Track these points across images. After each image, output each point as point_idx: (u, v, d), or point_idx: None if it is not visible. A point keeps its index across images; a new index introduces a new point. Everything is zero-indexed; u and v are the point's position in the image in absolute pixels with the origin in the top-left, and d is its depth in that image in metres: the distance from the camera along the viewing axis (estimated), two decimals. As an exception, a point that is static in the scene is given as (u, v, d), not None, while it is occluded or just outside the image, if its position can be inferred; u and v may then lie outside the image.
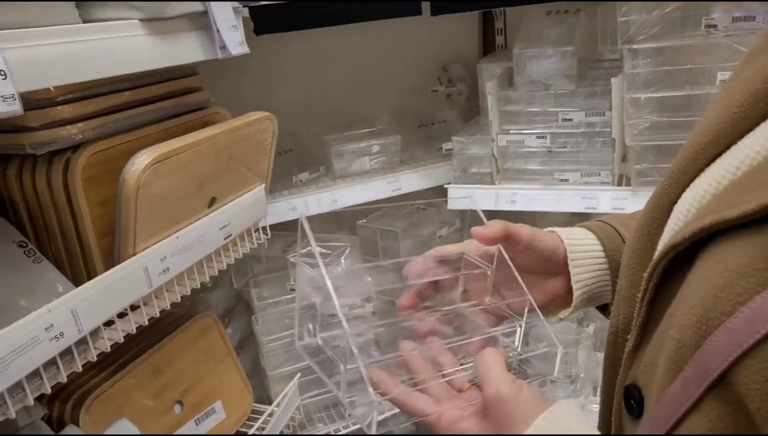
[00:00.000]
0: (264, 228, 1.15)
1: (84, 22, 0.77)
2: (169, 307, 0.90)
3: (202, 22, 0.88)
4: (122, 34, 0.75)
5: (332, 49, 1.54)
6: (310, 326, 0.68)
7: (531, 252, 0.67)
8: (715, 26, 0.92)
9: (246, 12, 1.01)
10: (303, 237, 0.67)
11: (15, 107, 0.59)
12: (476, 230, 0.66)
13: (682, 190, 0.49)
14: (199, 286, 0.97)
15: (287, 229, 1.40)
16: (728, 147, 0.47)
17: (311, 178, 1.44)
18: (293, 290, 1.30)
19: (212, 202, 0.97)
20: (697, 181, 0.48)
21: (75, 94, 0.81)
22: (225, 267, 1.04)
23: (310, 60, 1.54)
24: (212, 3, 0.86)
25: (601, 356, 0.63)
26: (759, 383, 0.37)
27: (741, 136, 0.46)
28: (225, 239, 1.00)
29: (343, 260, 1.30)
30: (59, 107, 0.79)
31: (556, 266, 0.68)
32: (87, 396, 0.94)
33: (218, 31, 0.87)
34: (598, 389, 0.57)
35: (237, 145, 0.97)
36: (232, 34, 0.90)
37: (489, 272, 0.69)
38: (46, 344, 0.67)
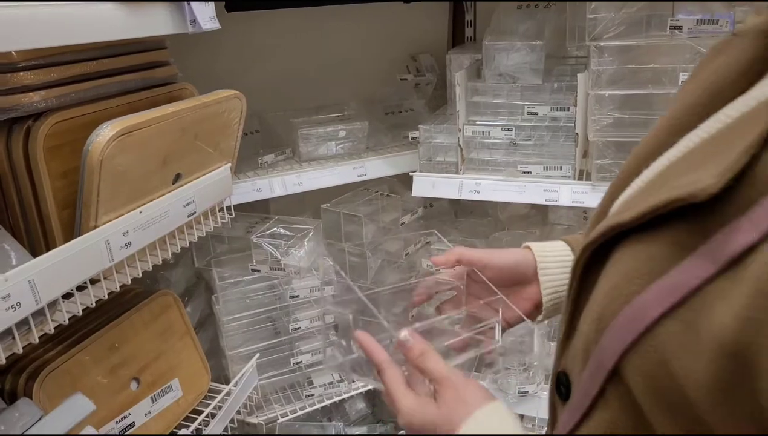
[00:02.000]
0: (228, 208, 1.15)
1: (51, -13, 0.75)
2: (129, 282, 0.89)
3: (173, -5, 0.86)
4: (90, 1, 0.74)
5: (303, 32, 1.53)
6: (344, 342, 0.71)
7: (492, 269, 0.76)
8: (679, 27, 0.96)
9: (218, -13, 1.00)
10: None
11: (-23, 70, 0.58)
12: (434, 258, 0.76)
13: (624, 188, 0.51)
14: (161, 262, 0.96)
15: (251, 209, 1.39)
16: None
17: (277, 160, 1.44)
18: (255, 270, 1.30)
19: (177, 178, 0.97)
20: (635, 180, 0.50)
21: (38, 60, 0.79)
22: (187, 245, 1.03)
23: (281, 41, 1.53)
24: (184, -24, 0.85)
25: (553, 345, 0.67)
26: (640, 378, 0.41)
27: (673, 143, 0.48)
28: (189, 217, 0.99)
29: (306, 242, 1.31)
30: (21, 73, 0.77)
31: (523, 276, 0.76)
32: (41, 369, 0.92)
33: (189, 4, 0.86)
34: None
35: (204, 123, 0.97)
36: (203, 8, 0.89)
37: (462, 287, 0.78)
38: (2, 314, 0.66)
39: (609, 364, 0.43)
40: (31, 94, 0.77)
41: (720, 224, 0.38)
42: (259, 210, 1.46)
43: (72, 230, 0.84)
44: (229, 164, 1.10)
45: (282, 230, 1.31)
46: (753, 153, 0.37)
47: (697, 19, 0.96)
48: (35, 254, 0.81)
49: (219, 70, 1.42)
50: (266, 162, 1.41)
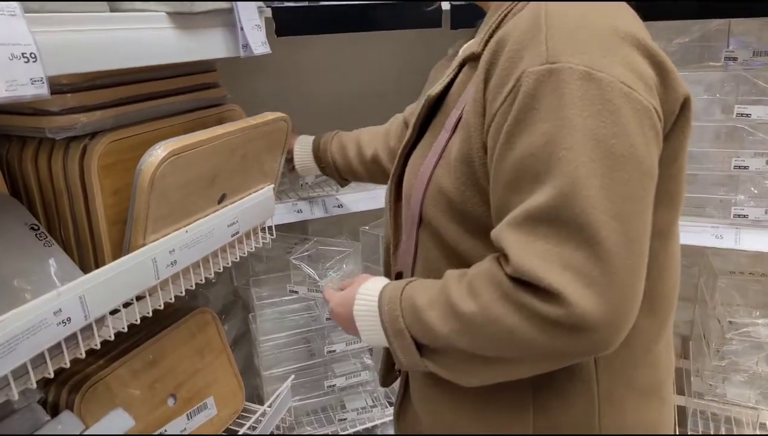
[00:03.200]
0: (270, 228, 1.16)
1: (112, 11, 0.78)
2: (173, 299, 0.90)
3: (226, 20, 0.89)
4: (149, 25, 0.76)
5: (348, 54, 1.55)
6: None
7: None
8: (735, 58, 0.94)
9: (269, 12, 1.02)
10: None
11: (43, 90, 0.60)
12: None
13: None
14: (203, 281, 0.97)
15: (290, 230, 1.40)
16: None
17: (317, 181, 1.45)
18: (293, 291, 1.30)
19: (222, 198, 0.98)
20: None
21: (96, 81, 0.81)
22: (229, 264, 1.04)
23: (325, 63, 1.55)
24: (238, 2, 0.87)
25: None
26: (432, 208, 0.74)
27: None
28: (232, 236, 1.00)
29: (344, 265, 1.31)
30: (80, 93, 0.79)
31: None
32: (83, 383, 0.94)
33: (242, 29, 0.88)
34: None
35: (251, 144, 0.98)
36: (256, 33, 0.90)
37: None
38: (53, 328, 0.67)
39: (417, 213, 0.76)
40: (88, 114, 0.79)
41: (445, 116, 0.75)
42: (297, 230, 1.47)
43: (120, 247, 0.85)
44: (272, 185, 1.11)
45: (321, 252, 1.31)
46: (450, 78, 0.77)
47: (753, 51, 0.94)
48: (84, 268, 0.83)
49: (263, 92, 1.45)
50: (306, 183, 1.42)
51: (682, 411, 1.36)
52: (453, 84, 0.76)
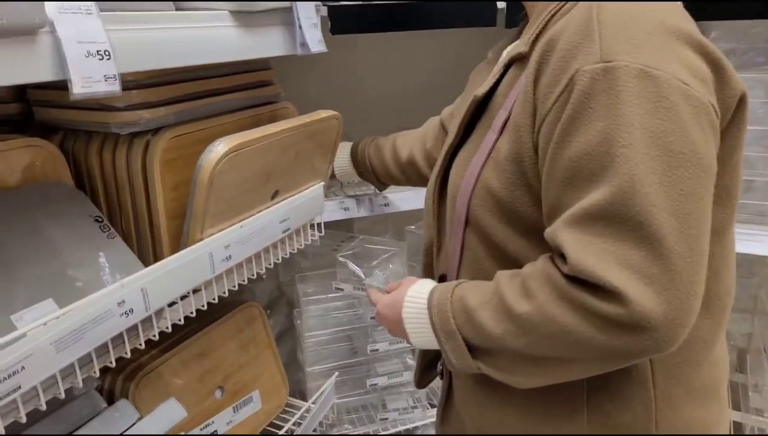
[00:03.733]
0: (319, 225, 1.16)
1: (177, 9, 0.79)
2: (226, 294, 0.92)
3: (285, 18, 0.89)
4: (213, 24, 0.77)
5: (402, 52, 1.55)
6: None
7: None
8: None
9: (324, 11, 1.03)
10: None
11: (115, 87, 0.61)
12: None
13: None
14: (255, 276, 0.98)
15: (335, 227, 1.41)
16: None
17: (359, 182, 1.45)
18: (339, 289, 1.31)
19: (275, 195, 0.99)
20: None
21: (159, 78, 0.83)
22: (279, 260, 1.05)
23: (378, 61, 1.55)
24: (297, 0, 0.88)
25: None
26: (479, 208, 0.73)
27: None
28: (283, 233, 1.01)
29: (390, 264, 1.31)
30: (144, 90, 0.81)
31: None
32: (137, 371, 0.96)
33: (300, 27, 0.89)
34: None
35: (305, 142, 0.99)
36: (313, 31, 0.91)
37: None
38: (116, 319, 0.69)
39: (463, 214, 0.75)
40: (152, 110, 0.81)
41: (492, 117, 0.74)
42: (343, 228, 1.47)
43: (178, 240, 0.87)
44: (323, 183, 1.12)
45: (367, 250, 1.31)
46: (497, 78, 0.76)
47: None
48: (143, 259, 0.85)
49: (315, 89, 1.45)
50: (353, 181, 1.43)
51: (738, 427, 1.31)
52: (499, 84, 0.75)
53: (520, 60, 0.72)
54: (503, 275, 0.69)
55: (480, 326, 0.68)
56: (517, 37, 0.86)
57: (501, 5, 1.12)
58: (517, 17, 1.13)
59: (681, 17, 0.66)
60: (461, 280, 0.77)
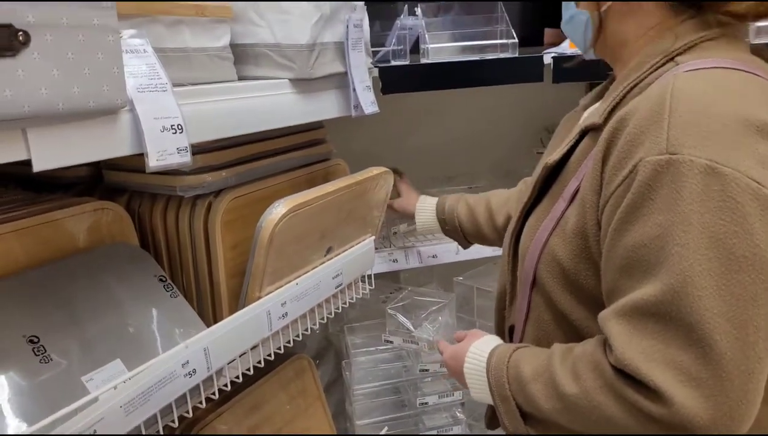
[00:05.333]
0: (369, 277, 1.17)
1: (240, 79, 0.83)
2: (282, 350, 0.92)
3: (340, 81, 0.93)
4: (274, 92, 0.81)
5: (440, 105, 1.58)
6: None
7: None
8: None
9: (376, 72, 1.06)
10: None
11: (186, 158, 0.65)
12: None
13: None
14: (309, 331, 0.99)
15: (382, 276, 1.41)
16: None
17: (409, 229, 1.45)
18: (388, 341, 1.30)
19: (328, 250, 1.00)
20: None
21: (221, 142, 0.87)
22: (332, 314, 1.06)
23: (425, 115, 1.58)
24: (352, 64, 0.91)
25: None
26: (546, 273, 0.74)
27: None
28: (336, 288, 1.02)
29: (439, 317, 1.30)
30: (207, 154, 0.85)
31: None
32: (193, 426, 0.97)
33: (354, 90, 0.92)
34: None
35: (357, 199, 1.01)
36: (366, 93, 0.94)
37: None
38: (180, 380, 0.70)
39: (530, 276, 0.77)
40: (215, 173, 0.85)
41: (564, 185, 0.74)
42: (389, 277, 1.48)
43: (236, 298, 0.89)
44: (373, 237, 1.13)
45: (415, 302, 1.31)
46: (571, 145, 0.75)
47: None
48: (202, 316, 0.87)
49: (366, 143, 1.48)
50: (399, 230, 1.43)
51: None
52: (573, 151, 0.75)
53: (594, 130, 0.72)
54: (558, 350, 0.71)
55: (531, 398, 0.70)
56: (604, 93, 0.85)
57: (547, 60, 1.13)
58: (564, 72, 1.14)
59: (762, 101, 0.62)
60: (521, 344, 0.78)
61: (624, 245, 0.62)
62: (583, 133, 0.74)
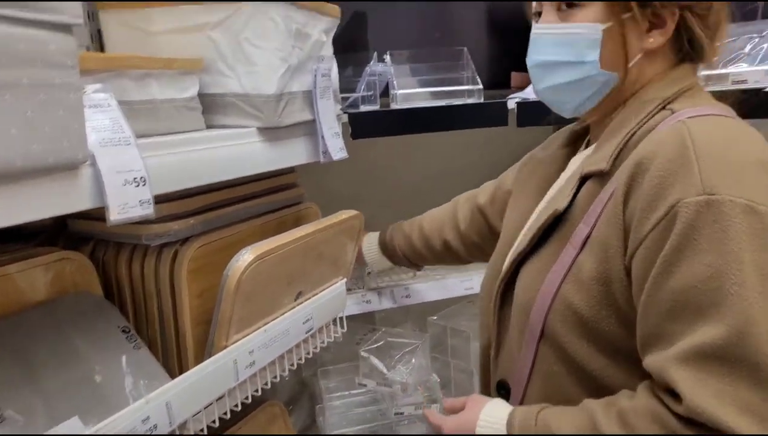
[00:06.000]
0: (341, 320, 1.16)
1: (208, 127, 0.84)
2: (249, 400, 0.91)
3: (309, 129, 0.94)
4: (242, 141, 0.81)
5: (410, 147, 1.60)
6: None
7: None
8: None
9: (345, 117, 1.07)
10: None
11: (149, 211, 0.64)
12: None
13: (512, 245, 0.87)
14: (278, 378, 0.98)
15: (361, 319, 1.40)
16: None
17: (391, 268, 1.45)
18: (362, 384, 1.29)
19: (298, 295, 1.00)
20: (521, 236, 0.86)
21: (188, 190, 0.87)
22: (302, 360, 1.05)
23: (394, 157, 1.60)
24: (320, 112, 0.92)
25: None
26: (558, 322, 0.72)
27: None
28: (307, 333, 1.01)
29: (413, 358, 1.29)
30: (173, 202, 0.85)
31: None
32: (158, 481, 0.94)
33: (323, 137, 0.93)
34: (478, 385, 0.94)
35: (327, 243, 1.01)
36: (335, 140, 0.95)
37: None
38: (141, 437, 0.69)
39: (538, 327, 0.73)
40: (181, 221, 0.84)
41: (571, 229, 0.73)
42: (363, 318, 1.47)
43: (202, 347, 0.88)
44: (345, 279, 1.13)
45: (389, 343, 1.30)
46: (574, 192, 0.75)
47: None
48: (168, 365, 0.86)
49: (335, 186, 1.49)
50: (373, 270, 1.43)
51: None
52: (575, 198, 0.75)
53: (598, 176, 0.73)
54: (596, 405, 0.68)
55: None
56: (576, 137, 0.89)
57: (511, 106, 1.16)
58: (528, 116, 1.17)
59: (765, 144, 0.67)
60: (544, 405, 0.74)
61: (670, 288, 0.61)
62: (583, 179, 0.75)
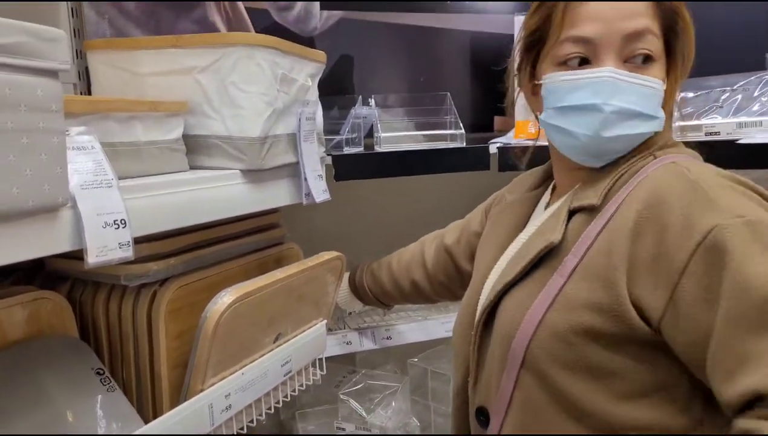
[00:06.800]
0: (321, 362, 1.15)
1: (192, 168, 0.84)
2: (225, 446, 0.89)
3: (292, 171, 0.95)
4: (225, 183, 0.82)
5: (393, 189, 1.61)
6: None
7: None
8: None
9: (329, 159, 1.09)
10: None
11: (128, 253, 0.64)
12: None
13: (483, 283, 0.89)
14: (255, 423, 0.96)
15: (340, 361, 1.39)
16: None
17: (365, 309, 1.45)
18: (340, 428, 1.27)
19: (277, 337, 0.99)
20: (492, 275, 0.88)
21: (169, 230, 0.86)
22: (280, 403, 1.03)
23: (377, 198, 1.62)
24: (304, 154, 0.93)
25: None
26: (540, 349, 0.73)
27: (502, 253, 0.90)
28: (285, 375, 1.00)
29: (393, 401, 1.28)
30: (152, 242, 0.84)
31: None
32: None
33: (306, 179, 0.94)
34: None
35: (308, 285, 1.01)
36: (318, 182, 0.96)
37: None
38: (111, 484, 0.67)
39: (520, 355, 0.74)
40: (161, 262, 0.83)
41: (558, 260, 0.75)
42: (347, 362, 1.45)
43: (178, 390, 0.86)
44: (325, 321, 1.13)
45: (369, 386, 1.29)
46: (565, 225, 0.77)
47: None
48: (141, 409, 0.84)
49: (317, 227, 1.50)
50: (354, 311, 1.43)
51: None
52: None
53: (588, 210, 0.76)
54: None
55: None
56: (542, 179, 0.93)
57: (493, 151, 1.18)
58: (509, 161, 1.19)
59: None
60: None
61: (749, 304, 0.61)
62: (571, 213, 0.78)
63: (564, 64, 0.77)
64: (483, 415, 0.83)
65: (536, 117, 0.86)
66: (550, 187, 0.92)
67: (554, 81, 0.78)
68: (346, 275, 1.27)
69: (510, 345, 0.76)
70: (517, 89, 0.89)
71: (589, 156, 0.79)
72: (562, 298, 0.73)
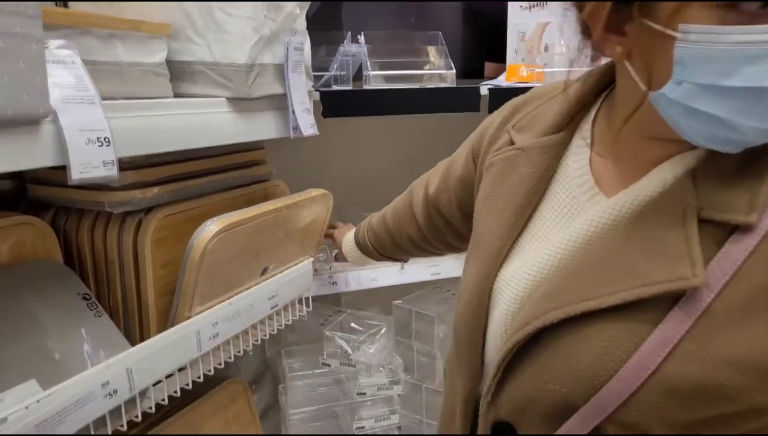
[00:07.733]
0: (307, 300, 1.17)
1: (175, 96, 0.83)
2: (212, 372, 0.91)
3: (279, 103, 0.93)
4: (210, 110, 0.81)
5: (381, 130, 1.61)
6: None
7: None
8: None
9: (317, 95, 1.07)
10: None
11: (113, 172, 0.63)
12: None
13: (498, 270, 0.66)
14: (242, 353, 0.98)
15: (322, 299, 1.41)
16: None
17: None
18: (326, 364, 1.29)
19: (264, 271, 1.00)
20: (511, 261, 0.66)
21: (154, 159, 0.86)
22: (267, 336, 1.05)
23: (365, 139, 1.61)
24: (291, 86, 0.92)
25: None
26: (650, 408, 0.54)
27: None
28: (272, 309, 1.01)
29: (377, 339, 1.30)
30: (139, 170, 0.84)
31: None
32: (117, 454, 0.93)
33: (294, 112, 0.93)
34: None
35: (294, 220, 1.01)
36: (306, 116, 0.95)
37: None
38: (100, 400, 0.68)
39: (611, 406, 0.55)
40: (145, 190, 0.83)
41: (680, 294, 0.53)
42: (329, 300, 1.47)
43: (165, 318, 0.87)
44: (311, 259, 1.13)
45: (354, 325, 1.31)
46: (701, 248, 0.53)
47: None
48: (129, 336, 0.85)
49: (306, 166, 1.50)
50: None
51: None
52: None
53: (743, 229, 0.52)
54: None
55: None
56: (567, 118, 0.66)
57: (484, 92, 1.17)
58: (499, 102, 1.18)
59: None
60: None
61: None
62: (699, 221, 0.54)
63: (731, 7, 0.45)
64: (506, 432, 0.65)
65: (636, 92, 0.54)
66: (581, 134, 0.66)
67: (714, 40, 0.46)
68: (352, 235, 1.17)
69: (589, 387, 0.56)
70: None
71: (735, 146, 0.53)
72: (688, 344, 0.52)
